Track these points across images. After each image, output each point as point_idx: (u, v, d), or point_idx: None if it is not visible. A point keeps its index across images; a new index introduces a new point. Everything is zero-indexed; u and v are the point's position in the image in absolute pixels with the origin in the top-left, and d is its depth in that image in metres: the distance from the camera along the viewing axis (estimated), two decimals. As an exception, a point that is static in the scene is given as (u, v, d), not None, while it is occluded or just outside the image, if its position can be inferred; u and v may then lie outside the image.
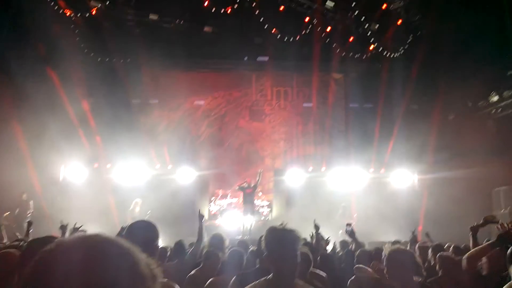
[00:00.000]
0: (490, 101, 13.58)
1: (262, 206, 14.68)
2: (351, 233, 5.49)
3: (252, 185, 12.59)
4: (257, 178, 12.59)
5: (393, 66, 14.93)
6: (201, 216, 5.93)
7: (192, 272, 4.13)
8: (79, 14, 13.56)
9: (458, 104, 14.33)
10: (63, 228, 5.35)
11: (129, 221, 11.42)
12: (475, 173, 12.12)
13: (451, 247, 5.78)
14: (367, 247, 6.56)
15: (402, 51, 14.99)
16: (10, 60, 11.14)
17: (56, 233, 6.20)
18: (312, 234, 5.91)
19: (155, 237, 2.69)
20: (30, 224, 6.02)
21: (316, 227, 5.86)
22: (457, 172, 12.50)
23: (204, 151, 15.20)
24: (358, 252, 5.10)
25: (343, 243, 7.37)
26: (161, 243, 4.41)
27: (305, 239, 6.22)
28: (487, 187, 12.91)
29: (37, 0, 12.62)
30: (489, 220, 4.16)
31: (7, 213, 10.65)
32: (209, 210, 14.53)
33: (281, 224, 2.46)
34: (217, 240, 4.87)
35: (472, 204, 11.17)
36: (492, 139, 13.10)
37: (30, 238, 5.34)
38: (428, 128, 13.50)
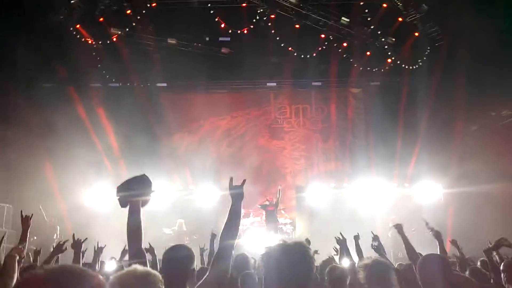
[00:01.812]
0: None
1: (285, 224, 14.56)
2: (378, 249, 5.26)
3: (274, 202, 12.50)
4: (278, 195, 12.52)
5: (412, 79, 14.83)
6: (213, 236, 5.89)
7: None
8: (100, 42, 13.95)
9: (481, 114, 14.07)
10: (77, 244, 4.94)
11: (177, 239, 11.65)
12: (502, 186, 11.78)
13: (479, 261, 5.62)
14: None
15: (421, 63, 14.87)
16: (37, 90, 11.52)
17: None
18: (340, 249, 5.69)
19: (192, 261, 2.80)
20: (38, 252, 5.77)
21: (342, 242, 5.54)
22: (484, 186, 12.16)
23: (225, 170, 15.23)
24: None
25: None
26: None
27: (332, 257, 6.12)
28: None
29: (61, 30, 13.10)
30: (502, 244, 3.93)
31: (33, 238, 10.84)
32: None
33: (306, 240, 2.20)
34: (241, 261, 4.68)
35: (501, 219, 10.84)
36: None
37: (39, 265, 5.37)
38: (451, 140, 13.27)
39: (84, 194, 13.57)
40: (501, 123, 13.81)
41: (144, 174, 2.76)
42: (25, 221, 4.47)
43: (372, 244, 5.30)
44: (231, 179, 2.94)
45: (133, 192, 2.70)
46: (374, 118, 15.79)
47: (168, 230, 13.13)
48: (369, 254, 6.23)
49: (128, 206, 2.75)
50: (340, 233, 5.77)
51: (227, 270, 2.71)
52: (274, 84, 16.46)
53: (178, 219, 13.24)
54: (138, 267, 2.02)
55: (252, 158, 15.84)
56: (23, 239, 4.38)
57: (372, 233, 5.54)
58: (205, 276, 2.67)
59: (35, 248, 5.88)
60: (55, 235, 11.62)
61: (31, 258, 5.81)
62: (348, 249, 5.47)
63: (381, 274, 2.81)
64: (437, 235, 5.21)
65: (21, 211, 4.49)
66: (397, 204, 13.98)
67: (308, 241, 5.92)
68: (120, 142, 13.90)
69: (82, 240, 4.98)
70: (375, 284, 2.76)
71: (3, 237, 4.61)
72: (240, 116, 16.43)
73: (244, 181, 2.97)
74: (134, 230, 2.70)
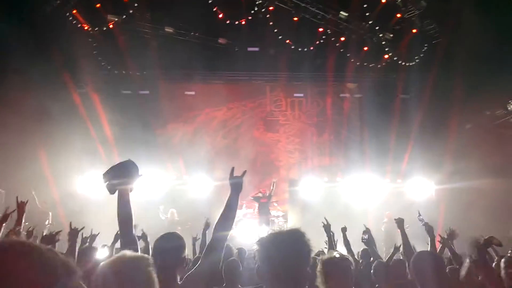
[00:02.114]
0: (508, 109, 13.37)
1: (277, 217, 14.61)
2: (368, 242, 5.28)
3: (267, 195, 12.54)
4: (271, 188, 12.58)
5: (409, 75, 14.86)
6: (206, 225, 5.92)
7: None
8: (97, 28, 13.82)
9: (475, 113, 14.14)
10: (73, 233, 4.99)
11: (168, 228, 11.67)
12: (494, 183, 11.89)
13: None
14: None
15: (418, 60, 14.89)
16: (32, 74, 11.40)
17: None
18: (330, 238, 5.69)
19: (183, 250, 2.85)
20: (30, 233, 5.76)
21: (327, 228, 5.59)
22: (475, 182, 12.28)
23: (219, 162, 15.24)
24: (375, 263, 4.83)
25: (364, 253, 6.68)
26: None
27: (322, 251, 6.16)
28: (507, 198, 12.64)
29: (57, 15, 12.96)
30: (491, 242, 3.94)
31: (25, 224, 10.80)
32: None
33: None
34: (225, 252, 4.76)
35: (491, 216, 10.96)
36: (510, 148, 12.87)
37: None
38: (445, 138, 13.34)
39: (77, 181, 13.54)
40: (495, 123, 13.90)
41: (129, 159, 2.74)
42: (21, 206, 4.50)
43: (362, 237, 5.33)
44: (232, 169, 2.96)
45: (120, 178, 2.69)
46: (369, 114, 15.82)
47: (163, 216, 13.16)
48: (360, 247, 6.30)
49: (116, 193, 2.73)
50: (325, 218, 5.81)
51: (219, 260, 2.72)
52: (270, 76, 16.41)
53: (170, 208, 13.27)
54: (127, 252, 2.02)
55: (247, 150, 15.84)
56: (18, 223, 4.41)
57: (365, 226, 5.58)
58: (196, 265, 2.69)
59: (28, 228, 5.85)
60: (47, 221, 11.59)
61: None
62: (331, 235, 5.59)
63: (339, 272, 2.77)
64: (430, 230, 5.25)
65: (17, 197, 4.52)
66: (389, 199, 14.08)
67: (344, 229, 6.01)
68: (114, 130, 13.84)
69: (79, 229, 4.99)
70: (332, 281, 2.73)
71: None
72: (236, 107, 16.41)
73: (245, 172, 2.98)
74: (124, 217, 2.71)
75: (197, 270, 2.64)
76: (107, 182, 2.73)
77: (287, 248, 1.91)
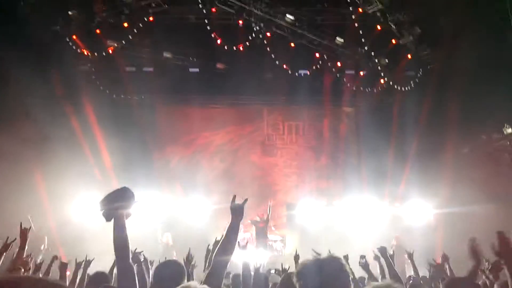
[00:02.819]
0: (504, 133, 13.46)
1: (275, 241, 14.49)
2: (364, 266, 5.19)
3: (264, 219, 12.49)
4: (268, 212, 12.54)
5: (405, 100, 15.00)
6: (208, 252, 5.85)
7: None
8: (96, 53, 13.98)
9: (471, 137, 14.22)
10: (63, 266, 5.11)
11: (163, 253, 11.53)
12: (493, 208, 11.85)
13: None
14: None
15: (413, 84, 15.08)
16: (30, 99, 11.47)
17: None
18: None
19: (183, 277, 2.93)
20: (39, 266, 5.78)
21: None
22: (474, 207, 12.22)
23: (216, 185, 15.19)
24: None
25: (361, 280, 6.92)
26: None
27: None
28: (507, 223, 12.57)
29: (56, 40, 13.13)
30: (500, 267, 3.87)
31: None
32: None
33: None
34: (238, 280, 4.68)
35: (491, 240, 10.87)
36: (508, 172, 12.90)
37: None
38: (442, 162, 13.37)
39: (73, 206, 13.44)
40: (492, 146, 13.97)
41: (125, 187, 2.76)
42: (24, 233, 4.45)
43: (359, 262, 5.23)
44: (234, 197, 3.01)
45: (116, 205, 2.68)
46: (366, 137, 15.88)
47: (164, 238, 13.02)
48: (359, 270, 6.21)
49: (112, 220, 2.72)
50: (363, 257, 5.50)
51: (219, 285, 2.69)
52: (268, 100, 16.53)
53: (165, 232, 13.14)
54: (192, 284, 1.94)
55: (244, 174, 15.82)
56: (21, 250, 4.36)
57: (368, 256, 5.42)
58: None
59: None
60: (43, 246, 11.43)
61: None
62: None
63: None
64: (365, 267, 5.05)
65: (21, 223, 4.46)
66: (388, 223, 14.00)
67: (297, 256, 5.90)
68: (112, 154, 13.82)
69: (67, 263, 4.99)
70: None
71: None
72: (233, 131, 16.46)
73: (246, 200, 3.03)
74: (120, 242, 2.68)
75: None
76: (103, 209, 2.71)
77: (330, 277, 1.90)
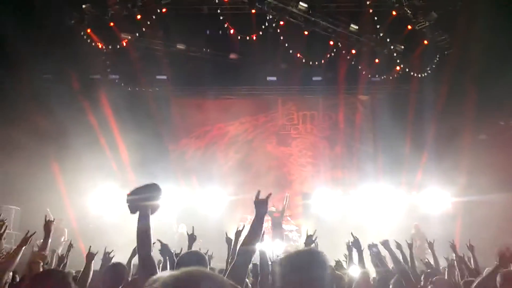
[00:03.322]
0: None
1: (291, 231, 14.50)
2: (377, 256, 4.83)
3: (280, 209, 12.47)
4: (284, 202, 12.50)
5: (421, 86, 14.77)
6: (229, 240, 5.87)
7: None
8: (110, 46, 14.06)
9: (489, 123, 13.95)
10: (90, 256, 5.16)
11: (178, 243, 11.63)
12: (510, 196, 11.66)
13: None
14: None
15: (430, 71, 14.82)
16: (46, 94, 11.62)
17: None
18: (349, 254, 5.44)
19: (206, 267, 2.98)
20: (54, 252, 5.87)
21: (356, 244, 5.17)
22: (492, 195, 12.04)
23: (232, 176, 15.23)
24: (392, 280, 4.35)
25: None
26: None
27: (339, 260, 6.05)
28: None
29: (71, 34, 13.24)
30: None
31: (40, 241, 10.88)
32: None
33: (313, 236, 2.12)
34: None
35: (510, 228, 10.71)
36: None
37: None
38: (459, 149, 13.16)
39: (92, 198, 13.64)
40: (510, 132, 13.69)
41: (154, 183, 2.78)
42: (48, 225, 4.48)
43: (370, 252, 4.93)
44: (259, 192, 3.04)
45: (142, 198, 2.70)
46: (381, 126, 15.72)
47: (180, 229, 13.09)
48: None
49: (137, 213, 2.74)
50: (351, 234, 5.46)
51: (243, 277, 2.74)
52: (282, 90, 16.44)
53: (180, 223, 13.23)
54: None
55: (259, 164, 15.82)
56: (45, 243, 4.40)
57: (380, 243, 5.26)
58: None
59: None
60: (63, 238, 11.66)
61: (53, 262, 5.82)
62: (361, 251, 5.18)
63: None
64: (377, 257, 4.83)
65: (45, 216, 4.48)
66: (404, 211, 13.87)
67: (316, 245, 5.85)
68: (128, 146, 13.96)
69: (95, 253, 5.06)
70: None
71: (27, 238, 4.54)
72: (248, 122, 16.44)
73: (270, 194, 3.08)
74: (143, 236, 2.69)
75: None
76: (128, 201, 2.73)
77: (304, 271, 1.89)
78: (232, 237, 5.62)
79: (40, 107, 12.26)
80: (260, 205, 2.97)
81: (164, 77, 15.12)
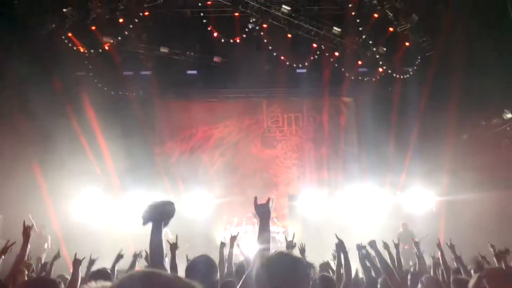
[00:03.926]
0: (504, 118, 13.43)
1: (278, 232, 14.51)
2: (366, 257, 4.90)
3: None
4: (270, 204, 12.53)
5: (404, 88, 14.97)
6: (222, 244, 5.88)
7: None
8: (92, 50, 13.91)
9: (471, 123, 14.20)
10: (77, 262, 5.13)
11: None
12: (494, 195, 11.87)
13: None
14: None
15: (412, 72, 15.02)
16: (28, 98, 11.43)
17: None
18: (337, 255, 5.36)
19: (216, 272, 3.08)
20: (39, 260, 5.85)
21: (340, 246, 5.10)
22: (475, 194, 12.24)
23: (217, 179, 15.21)
24: (380, 280, 4.50)
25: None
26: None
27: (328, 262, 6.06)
28: (507, 209, 12.60)
29: (52, 38, 13.06)
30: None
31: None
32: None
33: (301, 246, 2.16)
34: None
35: (492, 227, 10.90)
36: (508, 158, 12.89)
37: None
38: (442, 149, 13.36)
39: (75, 204, 13.46)
40: (492, 132, 13.96)
41: (170, 201, 2.89)
42: (26, 231, 4.42)
43: (360, 253, 5.01)
44: (256, 199, 3.05)
45: (157, 213, 2.80)
46: (366, 127, 15.86)
47: (167, 235, 12.99)
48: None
49: (148, 224, 2.82)
50: (336, 235, 5.38)
51: None
52: (267, 93, 16.48)
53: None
54: None
55: (244, 167, 15.84)
56: (23, 249, 4.34)
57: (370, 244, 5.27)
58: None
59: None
60: (46, 244, 11.48)
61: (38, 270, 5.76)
62: (346, 252, 5.13)
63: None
64: (366, 258, 4.88)
65: (24, 221, 4.43)
66: (389, 212, 14.02)
67: (303, 248, 5.87)
68: (112, 150, 13.81)
69: (81, 259, 5.00)
70: None
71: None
72: (232, 124, 16.43)
73: (269, 199, 3.07)
74: (156, 248, 2.76)
75: None
76: (145, 215, 2.83)
77: (282, 277, 1.92)
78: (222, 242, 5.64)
79: (21, 111, 12.06)
80: (262, 212, 2.99)
81: (148, 80, 14.99)
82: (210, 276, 2.96)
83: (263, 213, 2.96)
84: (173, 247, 5.20)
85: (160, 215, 2.76)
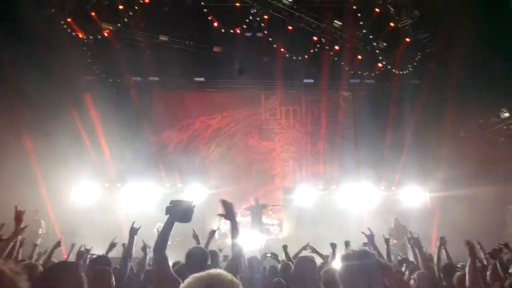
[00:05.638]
0: (501, 117, 13.47)
1: (272, 225, 14.58)
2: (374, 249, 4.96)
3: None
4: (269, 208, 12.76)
5: (402, 83, 14.96)
6: (212, 232, 5.99)
7: None
8: (91, 37, 13.80)
9: (469, 120, 14.23)
10: (80, 253, 5.21)
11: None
12: (488, 191, 11.94)
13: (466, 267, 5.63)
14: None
15: (411, 68, 15.01)
16: (25, 84, 11.35)
17: (67, 255, 6.20)
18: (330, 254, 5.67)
19: (207, 259, 3.62)
20: (35, 246, 5.92)
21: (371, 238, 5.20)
22: (469, 190, 12.32)
23: (214, 170, 15.20)
24: None
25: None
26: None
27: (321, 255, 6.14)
28: (500, 205, 12.69)
29: (51, 23, 12.92)
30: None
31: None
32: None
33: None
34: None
35: (485, 222, 10.98)
36: (504, 155, 12.95)
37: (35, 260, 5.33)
38: (439, 145, 13.40)
39: (70, 190, 13.46)
40: (489, 130, 13.99)
41: (193, 204, 3.08)
42: (19, 215, 4.45)
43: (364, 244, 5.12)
44: (222, 202, 3.34)
45: (180, 210, 3.01)
46: (363, 122, 15.88)
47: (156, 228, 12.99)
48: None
49: (167, 215, 3.00)
50: (369, 229, 5.39)
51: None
52: (266, 84, 16.43)
53: (158, 222, 12.97)
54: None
55: (241, 158, 15.84)
56: (15, 234, 4.37)
57: (368, 231, 5.31)
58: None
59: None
60: (40, 229, 11.50)
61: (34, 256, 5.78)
62: (375, 245, 5.18)
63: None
64: (370, 239, 5.08)
65: (16, 206, 4.46)
66: (384, 206, 14.08)
67: (285, 246, 6.00)
68: (108, 138, 13.79)
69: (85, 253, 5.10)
70: None
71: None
72: (230, 115, 16.40)
73: (230, 203, 3.34)
74: (163, 238, 2.99)
75: None
76: (170, 207, 3.01)
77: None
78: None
79: (17, 97, 11.98)
80: (229, 215, 3.32)
81: (146, 69, 14.91)
82: (205, 264, 3.42)
83: (230, 216, 3.28)
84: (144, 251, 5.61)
85: (179, 218, 2.99)
